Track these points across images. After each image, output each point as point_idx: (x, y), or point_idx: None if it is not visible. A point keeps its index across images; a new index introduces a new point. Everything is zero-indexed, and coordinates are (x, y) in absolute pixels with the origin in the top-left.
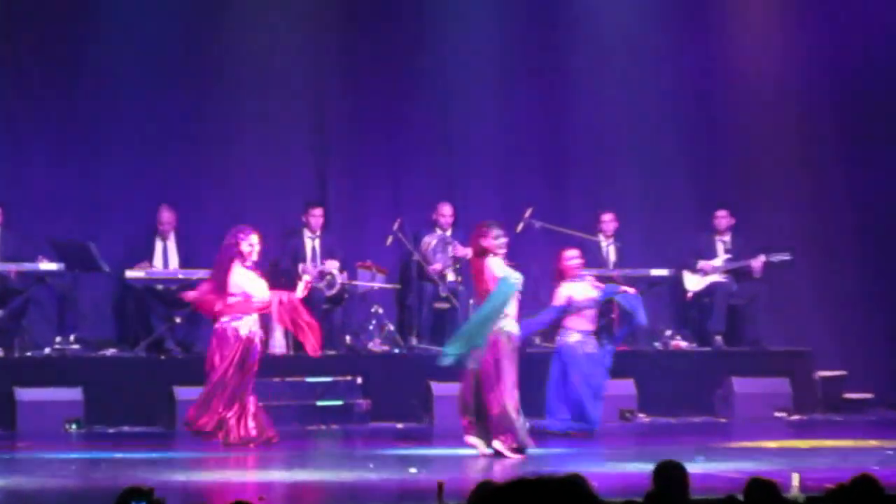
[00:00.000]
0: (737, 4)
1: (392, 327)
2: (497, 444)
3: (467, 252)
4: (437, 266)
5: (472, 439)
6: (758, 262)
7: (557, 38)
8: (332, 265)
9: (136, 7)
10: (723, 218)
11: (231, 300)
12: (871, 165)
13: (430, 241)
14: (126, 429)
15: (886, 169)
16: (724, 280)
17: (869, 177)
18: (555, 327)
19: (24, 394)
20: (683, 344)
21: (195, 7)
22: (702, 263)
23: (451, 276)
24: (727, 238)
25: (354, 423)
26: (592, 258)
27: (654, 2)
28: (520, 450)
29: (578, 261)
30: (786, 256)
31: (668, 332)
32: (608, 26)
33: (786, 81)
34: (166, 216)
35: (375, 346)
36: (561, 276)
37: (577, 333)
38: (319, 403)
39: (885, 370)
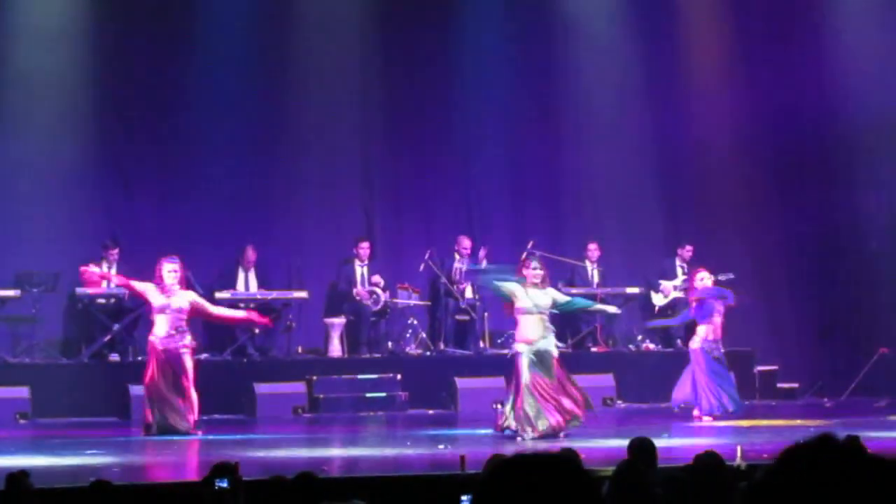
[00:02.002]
0: (699, 78)
1: (424, 335)
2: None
3: None
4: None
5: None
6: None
7: (556, 103)
8: (377, 280)
9: (221, 85)
10: (689, 251)
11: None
12: (799, 204)
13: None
14: (217, 416)
15: (811, 207)
16: (683, 296)
17: (798, 213)
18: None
19: (135, 389)
20: (652, 346)
21: (266, 87)
22: (663, 284)
23: (469, 294)
24: (686, 265)
25: (395, 410)
26: (580, 279)
27: (633, 76)
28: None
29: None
30: (730, 276)
31: (640, 337)
32: (597, 92)
33: (735, 139)
34: (250, 255)
35: (412, 349)
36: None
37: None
38: (368, 395)
39: (809, 365)
